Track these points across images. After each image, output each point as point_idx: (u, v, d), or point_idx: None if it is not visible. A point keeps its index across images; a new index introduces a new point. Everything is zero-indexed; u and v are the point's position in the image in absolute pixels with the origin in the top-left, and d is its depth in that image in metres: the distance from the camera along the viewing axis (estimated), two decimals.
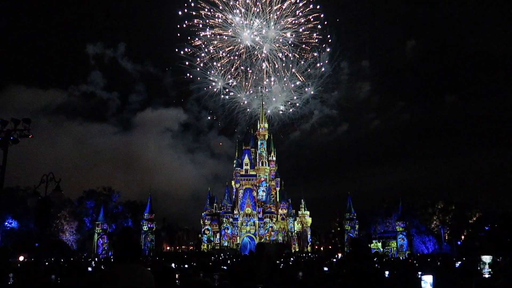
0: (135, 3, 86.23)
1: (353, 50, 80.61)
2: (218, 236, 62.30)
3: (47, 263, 20.58)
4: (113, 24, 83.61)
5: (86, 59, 78.52)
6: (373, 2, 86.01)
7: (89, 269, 14.20)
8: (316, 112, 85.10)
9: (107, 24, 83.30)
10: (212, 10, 79.21)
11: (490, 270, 6.08)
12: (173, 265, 16.19)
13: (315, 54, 79.26)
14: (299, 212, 64.87)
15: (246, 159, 69.00)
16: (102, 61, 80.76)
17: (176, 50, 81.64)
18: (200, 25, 79.81)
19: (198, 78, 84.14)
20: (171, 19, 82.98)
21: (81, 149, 75.62)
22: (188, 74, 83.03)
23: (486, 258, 6.22)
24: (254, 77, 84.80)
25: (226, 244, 61.50)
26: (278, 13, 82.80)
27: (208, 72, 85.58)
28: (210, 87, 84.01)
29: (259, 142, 69.85)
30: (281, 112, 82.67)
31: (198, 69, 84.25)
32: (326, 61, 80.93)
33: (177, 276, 6.40)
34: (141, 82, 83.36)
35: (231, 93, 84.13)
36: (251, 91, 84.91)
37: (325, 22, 76.05)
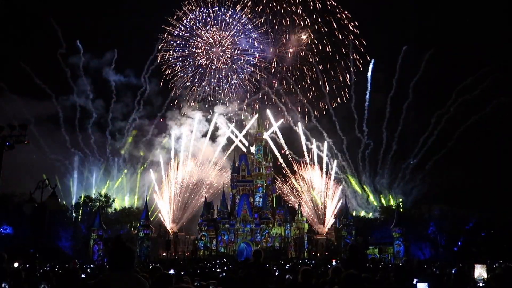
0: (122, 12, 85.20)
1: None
2: (214, 242, 62.08)
3: (41, 270, 20.45)
4: (100, 33, 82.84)
5: (74, 69, 78.46)
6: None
7: (83, 275, 14.13)
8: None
9: (94, 34, 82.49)
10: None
11: (483, 278, 6.10)
12: (172, 271, 16.14)
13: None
14: (296, 218, 64.76)
15: (242, 165, 68.95)
16: (89, 71, 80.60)
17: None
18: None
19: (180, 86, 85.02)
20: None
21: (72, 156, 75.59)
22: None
23: (480, 267, 6.24)
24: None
25: (222, 250, 61.25)
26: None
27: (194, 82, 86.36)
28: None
29: (255, 148, 69.90)
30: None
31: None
32: None
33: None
34: (128, 92, 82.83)
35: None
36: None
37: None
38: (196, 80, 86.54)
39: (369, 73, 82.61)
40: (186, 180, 77.65)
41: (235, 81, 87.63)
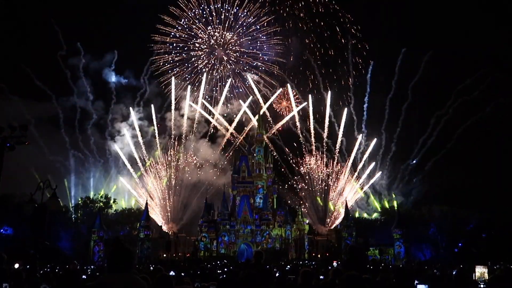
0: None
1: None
2: (215, 244, 62.01)
3: (41, 271, 20.43)
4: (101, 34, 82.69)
5: (74, 71, 78.54)
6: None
7: (84, 276, 14.12)
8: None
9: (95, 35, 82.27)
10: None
11: (485, 279, 6.09)
12: (172, 272, 16.12)
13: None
14: (296, 219, 64.69)
15: (243, 166, 68.92)
16: (88, 72, 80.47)
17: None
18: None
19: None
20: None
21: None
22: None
23: (481, 268, 6.23)
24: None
25: (223, 251, 61.19)
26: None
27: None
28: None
29: (256, 149, 69.86)
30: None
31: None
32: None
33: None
34: (128, 93, 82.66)
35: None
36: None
37: None
38: (196, 81, 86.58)
39: (369, 75, 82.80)
40: (185, 181, 77.65)
41: (237, 83, 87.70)
